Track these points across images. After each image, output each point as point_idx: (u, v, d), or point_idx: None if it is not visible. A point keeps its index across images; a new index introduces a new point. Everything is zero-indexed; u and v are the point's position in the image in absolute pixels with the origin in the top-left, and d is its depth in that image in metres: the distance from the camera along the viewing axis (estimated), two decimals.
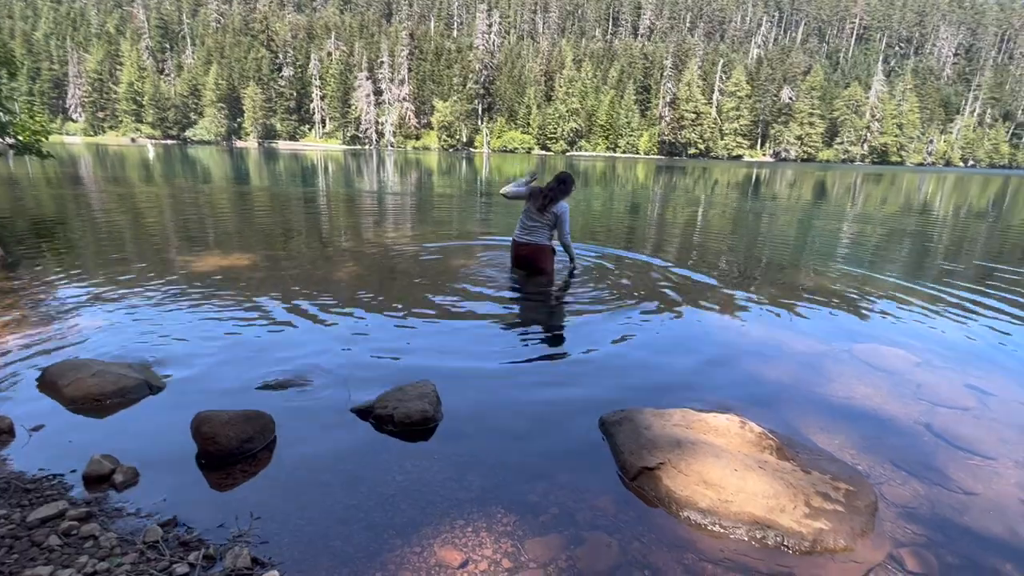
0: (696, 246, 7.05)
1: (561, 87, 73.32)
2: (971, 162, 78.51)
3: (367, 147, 70.15)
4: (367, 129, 72.30)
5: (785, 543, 1.69)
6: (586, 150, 72.90)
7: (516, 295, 4.36)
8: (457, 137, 71.33)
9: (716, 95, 75.75)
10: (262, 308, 3.73)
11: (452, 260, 5.48)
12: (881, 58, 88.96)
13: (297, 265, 5.14)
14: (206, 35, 76.97)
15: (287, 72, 74.64)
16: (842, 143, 74.35)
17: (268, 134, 72.41)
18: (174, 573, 1.46)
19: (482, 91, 74.59)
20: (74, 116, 73.70)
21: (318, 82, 73.71)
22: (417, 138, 74.49)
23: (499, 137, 72.81)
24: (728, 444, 2.08)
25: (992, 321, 4.10)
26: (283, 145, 69.51)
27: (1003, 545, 1.75)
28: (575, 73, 74.46)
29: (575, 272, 4.96)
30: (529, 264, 4.77)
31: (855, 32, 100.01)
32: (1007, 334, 3.82)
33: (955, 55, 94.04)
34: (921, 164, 75.90)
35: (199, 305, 3.77)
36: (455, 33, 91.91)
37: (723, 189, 19.46)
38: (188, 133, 71.19)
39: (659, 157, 69.68)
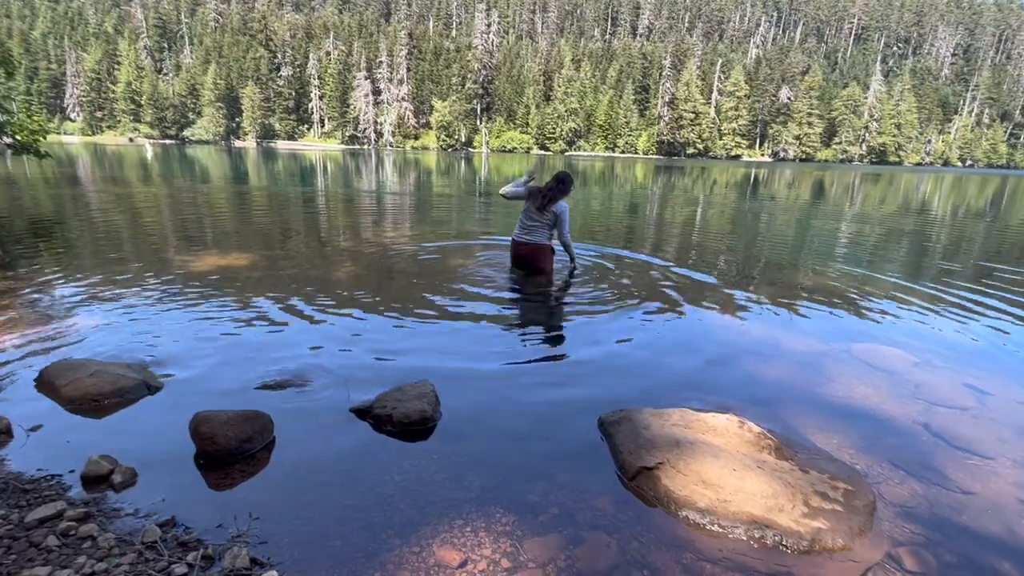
0: (695, 246, 7.06)
1: (560, 87, 73.32)
2: (969, 162, 78.68)
3: (366, 147, 70.10)
4: (366, 129, 72.25)
5: (783, 542, 1.69)
6: (585, 150, 72.91)
7: (515, 295, 4.36)
8: (456, 137, 71.30)
9: (715, 95, 75.81)
10: (260, 308, 3.73)
11: (451, 260, 5.47)
12: (879, 58, 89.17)
13: (296, 265, 5.13)
14: (204, 34, 76.87)
15: (286, 72, 74.56)
16: (840, 143, 74.45)
17: (267, 134, 72.32)
18: (173, 573, 1.46)
19: (481, 91, 74.56)
20: (72, 116, 73.56)
21: (317, 82, 73.63)
22: (416, 138, 74.45)
23: (498, 137, 72.81)
24: (727, 444, 2.08)
25: (990, 321, 4.11)
26: (282, 145, 69.44)
27: (1001, 544, 1.75)
28: (574, 73, 74.47)
29: (575, 272, 4.96)
30: (528, 264, 4.77)
31: (853, 32, 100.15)
32: (1006, 334, 3.83)
33: (953, 55, 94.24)
34: (919, 164, 76.06)
35: (197, 305, 3.77)
36: (454, 33, 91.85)
37: (722, 189, 19.47)
38: (186, 133, 71.09)
39: (658, 157, 69.69)
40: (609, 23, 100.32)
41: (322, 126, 75.65)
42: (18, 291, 3.96)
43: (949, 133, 79.53)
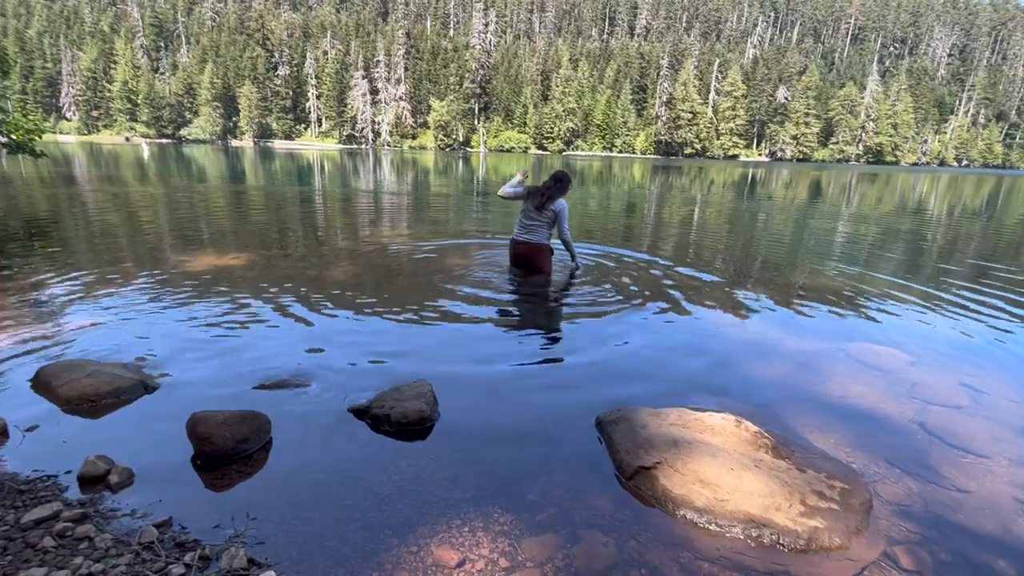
0: (692, 245, 7.07)
1: (557, 86, 73.30)
2: (965, 162, 78.96)
3: (363, 146, 69.99)
4: (363, 128, 72.11)
5: (781, 541, 1.70)
6: (583, 149, 72.91)
7: (513, 294, 4.36)
8: (453, 136, 71.22)
9: (712, 95, 75.87)
10: (257, 308, 3.72)
11: (449, 259, 5.47)
12: (876, 58, 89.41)
13: (293, 265, 5.13)
14: (201, 33, 76.58)
15: (283, 71, 74.33)
16: (837, 143, 74.61)
17: (264, 133, 72.13)
18: (170, 574, 1.45)
19: (478, 90, 74.48)
20: (68, 115, 73.22)
21: (314, 81, 73.46)
22: (413, 137, 74.34)
23: (495, 136, 72.74)
24: (724, 443, 2.09)
25: (986, 320, 4.13)
26: (279, 144, 69.27)
27: (996, 542, 1.76)
28: (571, 73, 74.45)
29: (577, 271, 4.96)
30: (527, 263, 4.78)
31: (850, 32, 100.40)
32: (1001, 332, 3.85)
33: (949, 55, 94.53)
34: (916, 164, 76.27)
35: (194, 305, 3.76)
36: (451, 32, 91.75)
37: (719, 189, 19.51)
38: (183, 132, 70.83)
39: (655, 157, 69.77)
40: (607, 23, 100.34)
41: (319, 126, 75.48)
42: (14, 291, 3.95)
43: (945, 133, 79.78)
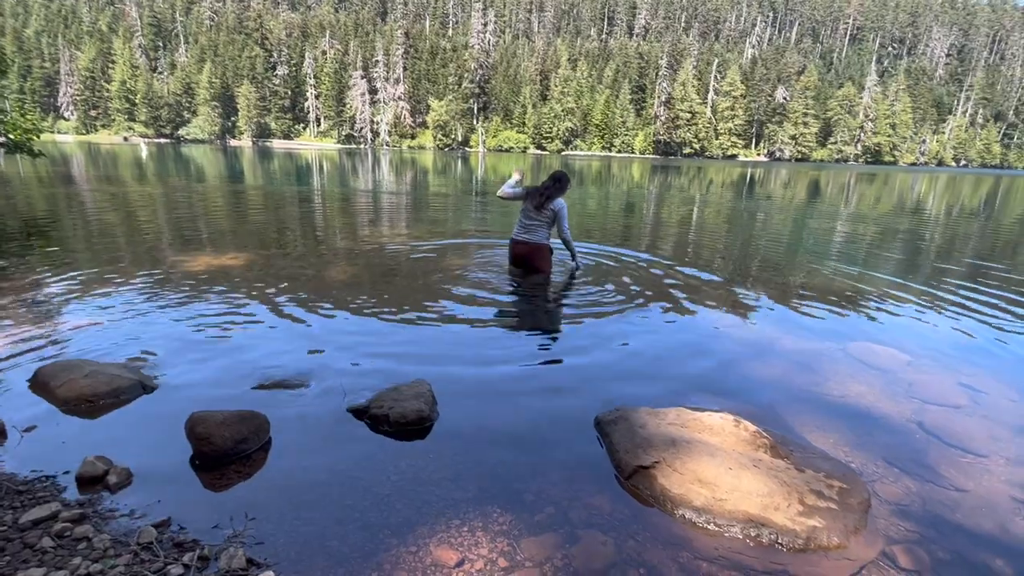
0: (691, 245, 7.08)
1: (556, 86, 73.27)
2: (963, 162, 79.09)
3: (362, 146, 69.94)
4: (362, 128, 72.04)
5: (779, 541, 1.70)
6: (581, 149, 72.91)
7: (512, 294, 4.36)
8: (452, 136, 71.17)
9: (711, 95, 75.92)
10: (256, 308, 3.72)
11: (448, 259, 5.47)
12: (874, 58, 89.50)
13: (292, 264, 5.12)
14: (199, 33, 76.45)
15: (281, 71, 74.21)
16: (836, 143, 74.69)
17: (262, 133, 72.02)
18: (168, 574, 1.45)
19: (477, 90, 74.43)
20: (66, 114, 73.05)
21: (313, 81, 73.36)
22: (412, 137, 74.29)
23: (494, 136, 72.71)
24: (723, 443, 2.09)
25: (984, 319, 4.13)
26: (278, 144, 69.18)
27: (994, 541, 1.77)
28: (570, 72, 74.44)
29: (577, 271, 4.96)
30: (526, 263, 4.78)
31: (848, 32, 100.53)
32: (1000, 331, 3.86)
33: (947, 56, 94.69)
34: (914, 164, 76.38)
35: (192, 305, 3.75)
36: (450, 32, 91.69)
37: (718, 188, 19.52)
38: (182, 132, 70.71)
39: (654, 156, 69.79)
40: (605, 23, 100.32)
41: (318, 125, 75.39)
42: (12, 291, 3.94)
43: (943, 133, 79.89)
